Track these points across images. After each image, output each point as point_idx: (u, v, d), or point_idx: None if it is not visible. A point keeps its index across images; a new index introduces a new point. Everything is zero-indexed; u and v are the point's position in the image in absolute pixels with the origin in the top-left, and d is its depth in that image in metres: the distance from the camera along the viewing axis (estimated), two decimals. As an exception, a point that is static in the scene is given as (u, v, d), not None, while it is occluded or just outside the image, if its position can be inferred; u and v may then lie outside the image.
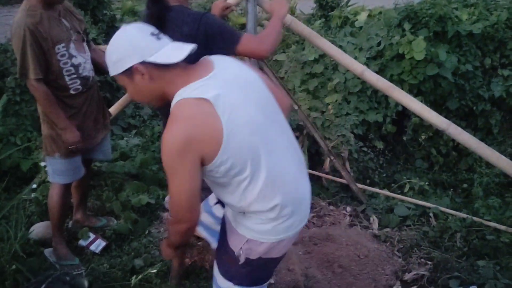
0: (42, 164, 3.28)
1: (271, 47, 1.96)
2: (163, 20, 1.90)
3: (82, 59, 2.56)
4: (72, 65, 2.50)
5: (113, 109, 3.22)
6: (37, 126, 3.78)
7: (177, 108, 1.40)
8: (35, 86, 2.39)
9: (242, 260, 1.57)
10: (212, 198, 2.02)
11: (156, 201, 3.37)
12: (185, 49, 1.43)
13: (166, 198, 3.43)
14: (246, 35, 1.97)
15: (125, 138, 4.34)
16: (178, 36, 1.89)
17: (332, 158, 3.50)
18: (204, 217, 2.00)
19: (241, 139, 1.40)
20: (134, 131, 4.62)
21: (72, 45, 2.49)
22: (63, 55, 2.45)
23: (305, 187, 1.61)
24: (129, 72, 1.43)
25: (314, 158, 4.03)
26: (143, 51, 1.41)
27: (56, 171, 2.65)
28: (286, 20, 2.59)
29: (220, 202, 1.95)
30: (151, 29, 1.48)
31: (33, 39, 2.32)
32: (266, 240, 1.54)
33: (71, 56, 2.49)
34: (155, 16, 1.90)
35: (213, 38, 1.90)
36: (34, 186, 3.32)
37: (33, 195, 3.24)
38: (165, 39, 1.48)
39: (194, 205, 1.44)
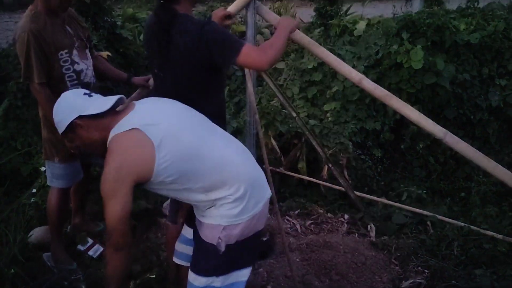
0: (42, 169, 3.30)
1: (273, 59, 1.93)
2: (170, 27, 1.93)
3: (85, 66, 2.60)
4: (74, 71, 2.53)
5: (113, 115, 3.24)
6: (38, 131, 3.77)
7: (111, 143, 1.65)
8: (38, 89, 2.42)
9: (222, 248, 1.71)
10: (184, 230, 2.16)
11: (154, 206, 3.38)
12: (112, 99, 1.76)
13: (165, 204, 3.44)
14: (247, 46, 1.93)
15: (124, 144, 4.36)
16: (182, 44, 1.92)
17: (330, 165, 3.52)
18: (183, 248, 2.15)
19: (175, 143, 1.63)
20: (133, 137, 4.63)
21: (75, 52, 2.53)
22: (65, 61, 2.48)
23: (256, 167, 1.83)
24: (72, 127, 1.73)
25: (312, 165, 4.05)
26: (79, 108, 1.73)
27: (55, 175, 2.68)
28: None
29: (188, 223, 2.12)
30: (83, 91, 1.85)
31: (36, 44, 2.35)
32: (241, 221, 1.70)
33: (73, 63, 2.52)
34: (164, 23, 1.93)
35: (214, 47, 1.90)
36: (34, 190, 3.33)
37: (32, 199, 3.25)
38: (96, 96, 1.81)
39: (124, 228, 1.64)
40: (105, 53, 4.46)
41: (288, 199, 3.74)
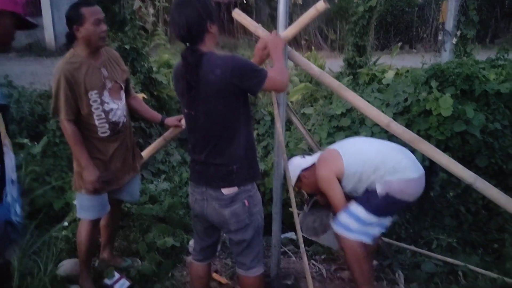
0: (74, 202, 3.40)
1: (287, 81, 2.27)
2: (198, 66, 2.05)
3: (115, 106, 2.73)
4: (103, 110, 2.67)
5: (145, 153, 3.35)
6: (72, 167, 3.94)
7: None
8: (64, 125, 2.60)
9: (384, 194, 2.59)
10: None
11: (181, 244, 3.40)
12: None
13: (190, 242, 3.46)
14: (270, 71, 2.15)
15: (154, 183, 4.45)
16: (212, 78, 2.04)
17: (358, 210, 3.48)
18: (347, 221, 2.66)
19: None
20: (163, 176, 4.73)
21: (106, 93, 2.68)
22: (95, 101, 2.63)
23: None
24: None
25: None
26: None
27: (83, 206, 2.77)
28: (315, 72, 2.72)
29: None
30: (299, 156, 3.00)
31: (67, 84, 2.53)
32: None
33: (103, 103, 2.66)
34: (192, 64, 2.05)
35: (245, 74, 2.06)
36: (66, 224, 3.42)
37: (63, 232, 3.33)
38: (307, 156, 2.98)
39: None
40: (141, 95, 4.68)
41: (314, 244, 3.69)
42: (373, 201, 2.60)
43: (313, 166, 2.87)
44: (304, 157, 2.97)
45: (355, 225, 2.62)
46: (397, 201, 2.62)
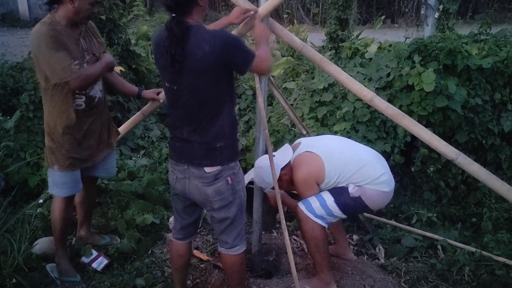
0: (49, 179, 3.30)
1: (271, 67, 2.22)
2: (185, 39, 1.94)
3: None
4: None
5: (123, 128, 3.25)
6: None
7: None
8: (76, 74, 2.41)
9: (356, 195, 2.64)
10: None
11: (160, 221, 3.35)
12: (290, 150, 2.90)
13: (170, 219, 3.41)
14: (257, 56, 2.08)
15: (133, 158, 4.35)
16: (200, 53, 1.94)
17: (339, 185, 3.47)
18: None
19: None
20: (142, 152, 4.63)
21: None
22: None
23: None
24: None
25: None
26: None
27: (55, 183, 2.68)
28: (297, 45, 2.64)
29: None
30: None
31: (56, 43, 2.36)
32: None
33: None
34: (177, 36, 1.94)
35: (234, 51, 1.98)
36: (41, 201, 3.33)
37: (39, 210, 3.24)
38: (276, 154, 2.92)
39: None
40: (118, 68, 4.52)
41: (296, 219, 3.69)
42: (343, 197, 2.66)
43: (288, 163, 2.82)
44: (273, 155, 2.83)
45: (320, 210, 2.66)
46: (364, 206, 2.68)
